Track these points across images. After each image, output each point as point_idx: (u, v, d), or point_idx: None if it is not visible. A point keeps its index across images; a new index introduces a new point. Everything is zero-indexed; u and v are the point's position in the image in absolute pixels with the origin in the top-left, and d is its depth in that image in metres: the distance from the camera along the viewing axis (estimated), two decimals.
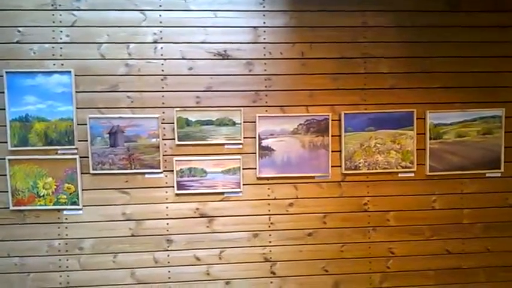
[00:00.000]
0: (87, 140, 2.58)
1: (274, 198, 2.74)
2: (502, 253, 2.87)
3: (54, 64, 2.56)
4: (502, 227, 2.86)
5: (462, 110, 2.78)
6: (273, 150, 2.70)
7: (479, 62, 2.80)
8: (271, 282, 2.75)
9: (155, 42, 2.61)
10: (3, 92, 2.52)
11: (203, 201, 2.69)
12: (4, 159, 2.54)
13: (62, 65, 2.56)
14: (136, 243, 2.67)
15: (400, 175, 2.78)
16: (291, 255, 2.75)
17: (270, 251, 2.75)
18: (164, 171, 2.65)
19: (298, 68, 2.71)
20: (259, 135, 2.68)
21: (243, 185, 2.70)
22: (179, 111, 2.62)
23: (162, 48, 2.62)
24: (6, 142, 2.54)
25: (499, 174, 2.83)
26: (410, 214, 2.80)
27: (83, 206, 2.62)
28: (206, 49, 2.65)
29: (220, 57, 2.66)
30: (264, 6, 2.67)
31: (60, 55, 2.56)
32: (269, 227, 2.74)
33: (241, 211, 2.72)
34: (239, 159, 2.68)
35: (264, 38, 2.68)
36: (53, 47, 2.56)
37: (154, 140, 2.62)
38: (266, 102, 2.70)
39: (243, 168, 2.69)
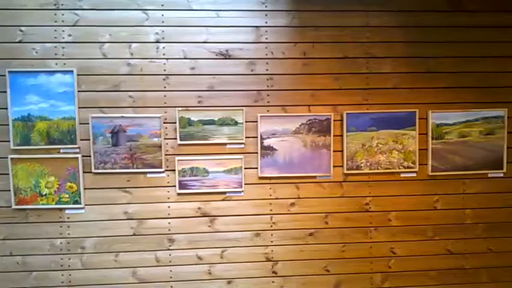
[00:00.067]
0: (89, 139, 2.60)
1: (276, 198, 2.75)
2: (504, 253, 2.88)
3: (56, 63, 2.58)
4: (504, 228, 2.87)
5: (464, 110, 2.78)
6: (274, 150, 2.72)
7: (482, 62, 2.81)
8: (273, 282, 2.77)
9: (157, 41, 2.63)
10: (5, 92, 2.54)
11: (205, 200, 2.71)
12: (6, 158, 2.56)
13: (64, 64, 2.58)
14: (138, 243, 2.69)
15: (402, 175, 2.79)
16: (292, 254, 2.77)
17: (272, 250, 2.76)
18: (166, 170, 2.67)
19: (300, 68, 2.72)
20: (261, 135, 2.69)
21: (245, 184, 2.71)
22: (181, 110, 2.63)
23: (164, 47, 2.63)
24: (9, 141, 2.56)
25: (502, 175, 2.84)
26: (412, 214, 2.81)
27: (85, 205, 2.64)
28: (208, 49, 2.66)
29: (223, 57, 2.67)
30: (266, 6, 2.68)
31: (63, 54, 2.58)
32: (271, 226, 2.76)
33: (243, 211, 2.74)
34: (241, 158, 2.69)
35: (266, 38, 2.69)
36: (55, 47, 2.57)
37: (156, 139, 2.64)
38: (268, 102, 2.71)
39: (245, 168, 2.71)
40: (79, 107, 2.59)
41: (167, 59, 2.64)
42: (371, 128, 2.74)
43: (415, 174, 2.79)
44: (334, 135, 2.73)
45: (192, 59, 2.65)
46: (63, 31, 2.57)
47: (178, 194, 2.68)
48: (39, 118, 2.57)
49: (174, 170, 2.66)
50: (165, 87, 2.65)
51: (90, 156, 2.60)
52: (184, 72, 2.66)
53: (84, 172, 2.62)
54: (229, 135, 2.68)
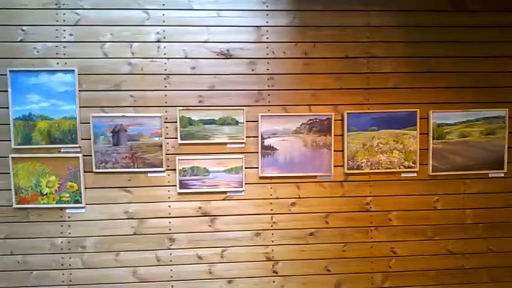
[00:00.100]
0: (90, 139, 2.61)
1: (277, 198, 2.77)
2: (504, 253, 2.89)
3: (57, 63, 2.59)
4: (504, 228, 2.88)
5: (465, 110, 2.80)
6: (275, 149, 2.74)
7: (483, 62, 2.82)
8: (273, 281, 2.78)
9: (158, 41, 2.65)
10: (6, 91, 2.55)
11: (205, 200, 2.73)
12: (8, 157, 2.58)
13: (66, 63, 2.60)
14: (138, 242, 2.71)
15: (402, 175, 2.81)
16: (293, 254, 2.79)
17: (272, 250, 2.78)
18: (167, 170, 2.69)
19: (301, 68, 2.73)
20: (261, 135, 2.71)
21: (246, 184, 2.73)
22: (182, 110, 2.65)
23: (165, 47, 2.65)
24: (10, 140, 2.58)
25: (502, 175, 2.85)
26: (412, 214, 2.82)
27: (86, 204, 2.66)
28: (209, 48, 2.68)
29: (223, 57, 2.69)
30: (267, 6, 2.70)
31: (64, 54, 2.60)
32: (271, 226, 2.78)
33: (243, 210, 2.75)
34: (242, 158, 2.71)
35: (267, 38, 2.71)
36: (56, 46, 2.59)
37: (157, 138, 2.65)
38: (269, 101, 2.73)
39: (246, 168, 2.72)
40: (80, 107, 2.61)
41: (168, 58, 2.66)
42: (372, 128, 2.76)
43: (415, 174, 2.81)
44: (334, 135, 2.75)
45: (193, 58, 2.67)
46: (65, 30, 2.59)
47: (179, 194, 2.70)
48: (40, 117, 2.58)
49: (175, 170, 2.68)
50: (166, 86, 2.67)
51: (91, 155, 2.62)
52: (185, 71, 2.67)
53: (84, 171, 2.64)
54: (229, 135, 2.70)
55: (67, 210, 2.66)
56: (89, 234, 2.68)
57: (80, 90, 2.61)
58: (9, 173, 2.59)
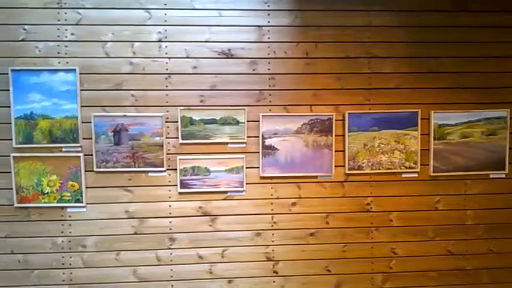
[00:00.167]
0: (91, 138, 2.66)
1: (277, 198, 2.81)
2: (505, 254, 2.94)
3: (59, 62, 2.64)
4: (505, 228, 2.93)
5: (467, 111, 2.84)
6: (276, 149, 2.79)
7: (484, 62, 2.87)
8: (274, 282, 2.83)
9: (160, 40, 2.70)
10: (8, 90, 2.60)
11: (206, 200, 2.77)
12: (9, 156, 2.63)
13: (67, 63, 2.65)
14: (139, 241, 2.76)
15: (403, 175, 2.85)
16: (293, 254, 2.83)
17: (273, 250, 2.83)
18: (168, 169, 2.74)
19: (303, 68, 2.78)
20: (262, 135, 2.76)
21: (246, 184, 2.78)
22: (183, 110, 2.70)
23: (166, 46, 2.70)
24: (11, 139, 2.63)
25: (503, 176, 2.90)
26: (413, 214, 2.87)
27: (87, 203, 2.71)
28: (210, 48, 2.73)
29: (225, 56, 2.74)
30: (268, 6, 2.74)
31: (65, 53, 2.65)
32: (272, 226, 2.83)
33: (244, 210, 2.80)
34: (242, 158, 2.75)
35: (269, 37, 2.76)
36: (58, 45, 2.64)
37: (158, 138, 2.71)
38: (270, 101, 2.78)
39: (247, 167, 2.77)
40: (81, 106, 2.66)
41: (169, 58, 2.71)
42: (373, 128, 2.81)
43: (416, 175, 2.86)
44: (335, 135, 2.79)
45: (194, 58, 2.72)
46: (66, 30, 2.64)
47: (180, 193, 2.75)
48: (41, 116, 2.64)
49: (176, 169, 2.73)
50: (167, 86, 2.72)
51: (92, 155, 2.67)
52: (187, 71, 2.72)
53: (86, 171, 2.68)
54: (230, 135, 2.75)
55: (68, 210, 2.71)
56: (90, 234, 2.73)
57: (81, 90, 2.66)
58: (10, 172, 2.64)
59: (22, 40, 2.62)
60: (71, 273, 2.74)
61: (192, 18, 2.71)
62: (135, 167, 2.71)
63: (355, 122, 2.79)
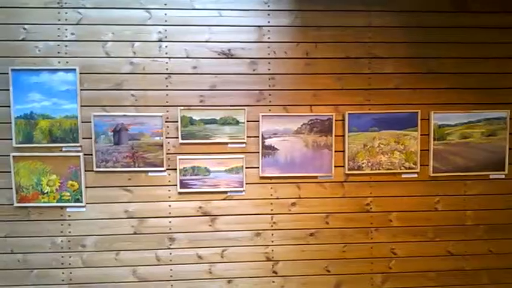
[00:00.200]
0: (91, 138, 2.69)
1: (277, 198, 2.85)
2: (505, 255, 2.97)
3: (59, 62, 2.68)
4: (505, 229, 2.96)
5: (467, 111, 2.88)
6: (276, 149, 2.82)
7: (484, 63, 2.90)
8: (273, 282, 2.87)
9: (160, 40, 2.73)
10: (8, 89, 2.63)
11: (206, 200, 2.81)
12: (9, 156, 2.66)
13: (67, 62, 2.68)
14: (138, 241, 2.79)
15: (403, 176, 2.89)
16: (293, 254, 2.87)
17: (272, 250, 2.86)
18: (167, 169, 2.77)
19: (303, 68, 2.82)
20: (262, 135, 2.80)
21: (246, 184, 2.81)
22: (183, 109, 2.74)
23: (166, 46, 2.74)
24: (11, 139, 2.66)
25: (503, 176, 2.93)
26: (413, 215, 2.91)
27: (86, 203, 2.74)
28: (210, 48, 2.76)
29: (225, 56, 2.77)
30: (268, 6, 2.78)
31: (65, 53, 2.68)
32: (271, 226, 2.86)
33: (243, 210, 2.84)
34: (242, 158, 2.79)
35: (269, 38, 2.79)
36: (58, 45, 2.67)
37: (158, 138, 2.74)
38: (270, 101, 2.81)
39: (246, 168, 2.80)
40: (81, 106, 2.69)
41: (169, 58, 2.74)
42: (373, 129, 2.84)
43: (416, 175, 2.89)
44: (335, 136, 2.83)
45: (194, 58, 2.75)
46: (66, 29, 2.67)
47: (180, 193, 2.78)
48: (41, 116, 2.67)
49: (176, 169, 2.76)
50: (167, 86, 2.75)
51: (91, 154, 2.70)
52: (187, 71, 2.76)
53: (85, 170, 2.72)
54: (230, 135, 2.79)
55: (67, 209, 2.74)
56: (89, 233, 2.76)
57: (81, 89, 2.69)
58: (10, 172, 2.67)
59: (22, 40, 2.65)
60: (71, 272, 2.77)
61: (192, 18, 2.74)
62: (134, 167, 2.74)
63: (355, 122, 2.83)
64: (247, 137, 2.79)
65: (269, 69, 2.80)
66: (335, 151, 2.84)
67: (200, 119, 2.75)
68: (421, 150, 2.87)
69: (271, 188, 2.85)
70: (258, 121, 2.78)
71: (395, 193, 2.90)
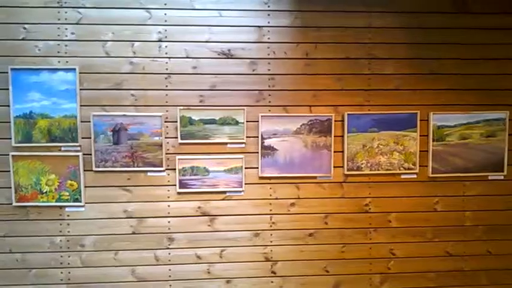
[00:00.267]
0: (90, 138, 2.76)
1: (276, 198, 2.92)
2: (503, 256, 3.05)
3: (59, 61, 2.74)
4: (504, 230, 3.05)
5: (466, 112, 2.95)
6: (275, 149, 2.90)
7: (484, 64, 2.97)
8: (272, 282, 2.94)
9: (160, 40, 2.80)
10: (7, 89, 2.70)
11: (205, 200, 2.88)
12: (8, 155, 2.73)
13: (67, 62, 2.75)
14: (137, 241, 2.86)
15: (402, 176, 2.96)
16: (292, 255, 2.95)
17: (271, 250, 2.94)
18: (166, 169, 2.84)
19: (302, 68, 2.89)
20: (262, 135, 2.87)
21: (245, 184, 2.89)
22: (183, 109, 2.81)
23: (166, 46, 2.81)
24: (10, 138, 2.73)
25: (502, 177, 3.01)
26: (412, 216, 2.98)
27: (85, 203, 2.81)
28: (210, 48, 2.83)
29: (225, 57, 2.85)
30: (268, 6, 2.85)
31: (65, 52, 2.75)
32: (270, 226, 2.94)
33: (242, 210, 2.91)
34: (241, 158, 2.86)
35: (269, 38, 2.87)
36: (58, 45, 2.74)
37: (157, 138, 2.81)
38: (269, 101, 2.89)
39: (245, 168, 2.88)
40: (81, 105, 2.76)
41: (169, 58, 2.81)
42: (372, 129, 2.92)
43: (415, 176, 2.97)
44: (335, 136, 2.90)
45: (194, 58, 2.82)
46: (66, 29, 2.75)
47: (179, 193, 2.86)
48: (40, 116, 2.74)
49: (175, 169, 2.83)
50: (166, 86, 2.83)
51: (91, 154, 2.77)
52: (186, 71, 2.83)
53: (84, 170, 2.79)
54: (230, 135, 2.86)
55: (66, 209, 2.81)
56: (88, 233, 2.84)
57: (80, 89, 2.76)
58: (9, 171, 2.74)
59: (22, 39, 2.72)
60: (69, 272, 2.84)
61: (192, 18, 2.81)
62: (134, 167, 2.82)
63: (355, 123, 2.90)
64: (247, 137, 2.87)
65: (269, 70, 2.88)
66: (334, 151, 2.91)
67: (199, 119, 2.83)
68: (420, 151, 2.94)
69: (270, 188, 2.92)
70: (258, 121, 2.86)
71: (395, 194, 2.97)
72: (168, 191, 2.87)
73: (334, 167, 2.92)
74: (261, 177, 2.90)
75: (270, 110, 2.89)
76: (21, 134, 2.74)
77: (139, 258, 2.88)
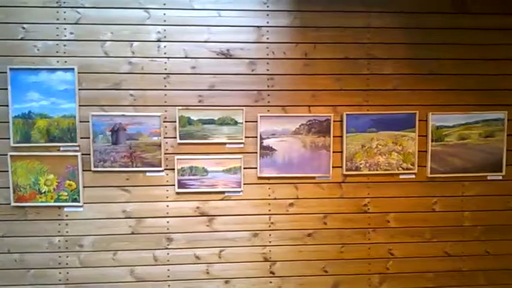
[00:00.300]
0: (89, 138, 2.80)
1: (275, 198, 2.96)
2: (502, 256, 3.10)
3: (57, 61, 2.78)
4: (502, 230, 3.09)
5: (465, 113, 2.99)
6: (274, 150, 2.93)
7: (483, 64, 3.01)
8: (271, 282, 2.98)
9: (159, 40, 2.83)
10: (6, 89, 2.73)
11: (204, 200, 2.91)
12: (6, 155, 2.76)
13: (66, 62, 2.78)
14: (136, 241, 2.89)
15: (401, 177, 3.00)
16: (290, 255, 2.98)
17: (270, 250, 2.98)
18: (165, 169, 2.87)
19: (301, 68, 2.92)
20: (260, 135, 2.90)
21: (244, 184, 2.92)
22: (181, 109, 2.84)
23: (165, 46, 2.84)
24: (9, 138, 2.76)
25: (501, 177, 3.05)
26: (410, 216, 3.02)
27: (84, 203, 2.84)
28: (209, 48, 2.87)
29: (223, 57, 2.88)
30: (267, 6, 2.88)
31: (64, 52, 2.78)
32: (269, 226, 2.98)
33: (241, 210, 2.94)
34: (240, 158, 2.90)
35: (268, 38, 2.90)
36: (56, 44, 2.78)
37: (156, 138, 2.85)
38: (268, 102, 2.92)
39: (244, 168, 2.91)
40: (80, 105, 2.79)
41: (168, 58, 2.85)
42: (371, 129, 2.96)
43: (414, 176, 3.01)
44: (333, 136, 2.94)
45: (193, 58, 2.86)
46: (65, 29, 2.78)
47: (177, 193, 2.89)
48: (39, 115, 2.77)
49: (173, 169, 2.87)
50: (165, 86, 2.86)
51: (89, 154, 2.81)
52: (185, 71, 2.86)
53: (83, 170, 2.82)
54: (228, 135, 2.89)
55: (65, 209, 2.85)
56: (87, 233, 2.87)
57: (79, 89, 2.79)
58: (7, 171, 2.77)
59: (21, 39, 2.75)
60: (68, 272, 2.88)
61: (191, 18, 2.85)
62: (132, 167, 2.85)
63: (353, 123, 2.94)
64: (246, 137, 2.90)
65: (268, 70, 2.91)
66: (333, 152, 2.95)
67: (198, 119, 2.87)
68: (418, 151, 2.98)
69: (269, 188, 2.96)
70: (256, 121, 2.89)
71: (393, 194, 3.01)
72: (167, 191, 2.90)
73: (333, 167, 2.96)
74: (260, 178, 2.94)
75: (268, 110, 2.92)
76: (20, 134, 2.77)
77: (138, 258, 2.91)
